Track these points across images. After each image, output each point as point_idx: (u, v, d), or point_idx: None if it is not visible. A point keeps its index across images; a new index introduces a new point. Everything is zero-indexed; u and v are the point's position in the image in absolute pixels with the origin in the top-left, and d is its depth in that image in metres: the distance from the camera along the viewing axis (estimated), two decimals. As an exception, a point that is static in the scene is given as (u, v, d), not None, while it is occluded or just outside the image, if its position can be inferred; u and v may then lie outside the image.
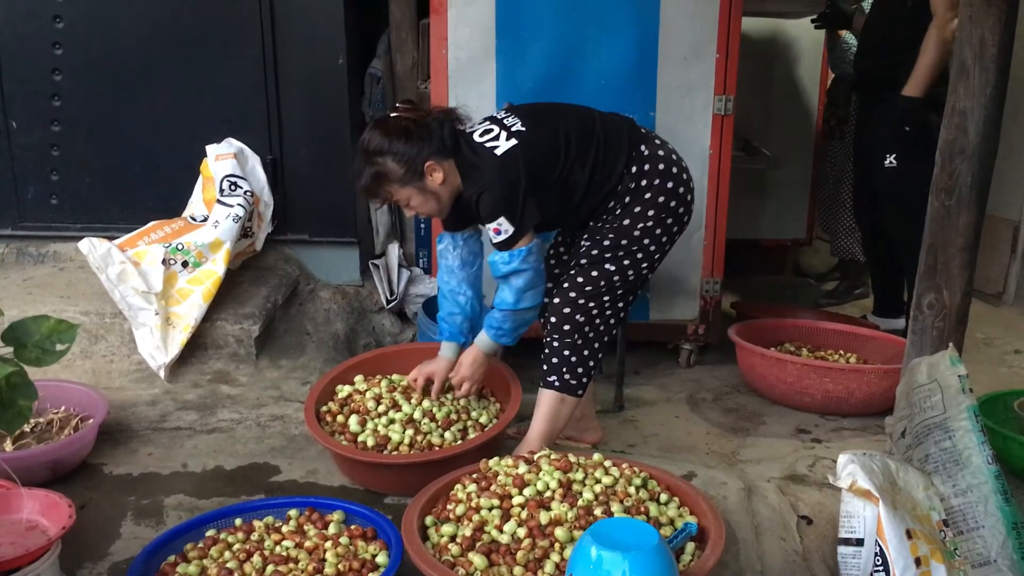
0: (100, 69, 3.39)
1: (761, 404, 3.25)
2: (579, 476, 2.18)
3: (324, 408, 2.68)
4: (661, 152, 2.55)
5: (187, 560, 2.09)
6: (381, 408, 2.63)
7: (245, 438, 2.80)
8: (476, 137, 2.46)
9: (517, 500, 2.11)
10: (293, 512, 2.27)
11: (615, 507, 2.07)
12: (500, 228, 2.39)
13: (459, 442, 2.54)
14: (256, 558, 2.07)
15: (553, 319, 2.52)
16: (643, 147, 2.52)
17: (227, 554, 2.09)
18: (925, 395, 2.26)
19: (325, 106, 3.41)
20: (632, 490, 2.15)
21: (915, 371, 2.30)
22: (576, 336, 2.53)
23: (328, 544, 2.11)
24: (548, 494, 2.12)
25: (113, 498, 2.47)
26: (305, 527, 2.21)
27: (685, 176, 2.57)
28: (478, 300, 2.70)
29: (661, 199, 2.51)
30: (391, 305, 3.51)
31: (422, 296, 3.52)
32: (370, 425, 2.58)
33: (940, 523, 2.13)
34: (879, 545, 2.01)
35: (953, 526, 2.13)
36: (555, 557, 1.96)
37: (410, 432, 2.55)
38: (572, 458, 2.26)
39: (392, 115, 2.43)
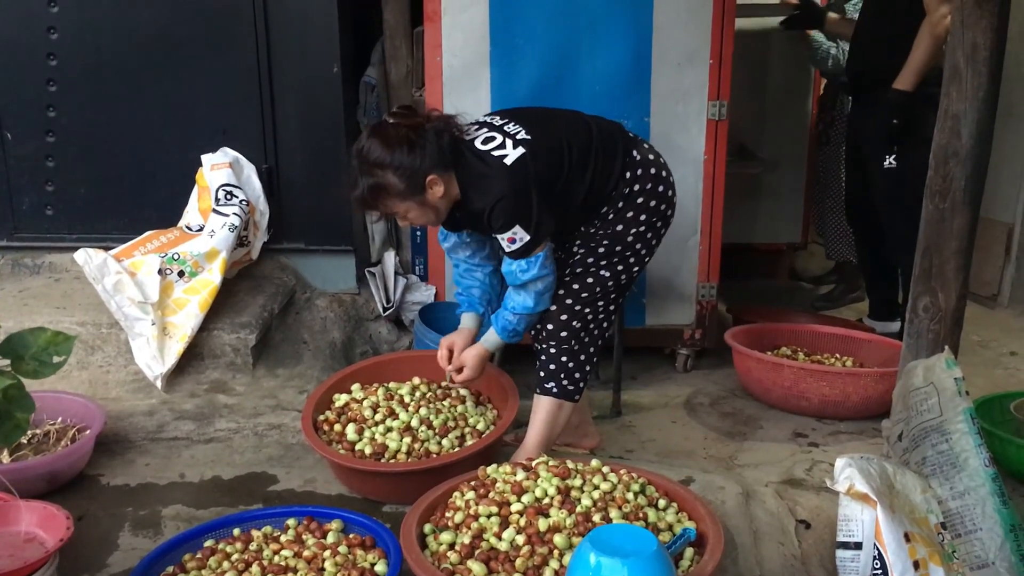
0: (94, 80, 3.39)
1: (758, 408, 3.25)
2: (577, 482, 2.18)
3: (321, 417, 2.68)
4: (651, 156, 2.56)
5: (185, 571, 2.09)
6: (378, 416, 2.63)
7: (242, 448, 2.80)
8: (479, 145, 2.40)
9: (515, 507, 2.11)
10: (291, 521, 2.26)
11: (613, 513, 2.07)
12: (515, 237, 2.35)
13: (456, 449, 2.54)
14: (255, 568, 2.07)
15: (550, 326, 2.53)
16: (635, 152, 2.53)
17: (225, 564, 2.09)
18: (922, 398, 2.26)
19: (320, 114, 3.41)
20: (630, 496, 2.16)
21: (911, 374, 2.31)
22: (573, 342, 2.54)
23: (327, 553, 2.11)
24: (546, 501, 2.13)
25: (111, 509, 2.46)
26: (303, 536, 2.20)
27: (671, 178, 2.60)
28: (496, 277, 2.68)
29: (652, 203, 2.53)
30: (387, 313, 3.51)
31: (418, 304, 3.51)
32: (367, 433, 2.58)
33: (938, 526, 2.13)
34: (877, 549, 2.01)
35: (951, 529, 2.13)
36: (554, 564, 1.96)
37: (407, 440, 2.55)
38: (570, 464, 2.26)
39: (390, 122, 2.36)
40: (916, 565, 1.99)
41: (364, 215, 3.61)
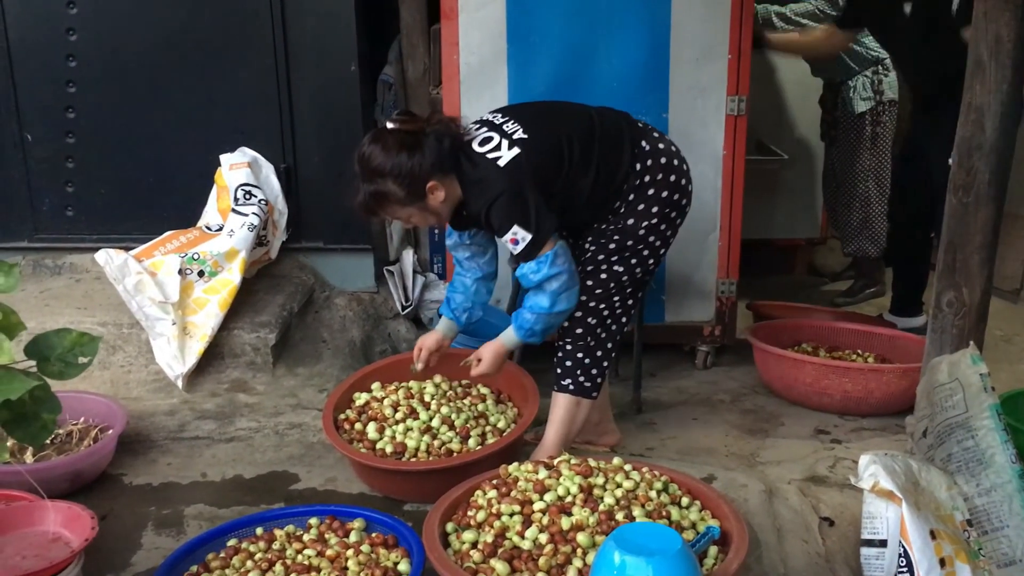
0: (114, 81, 3.40)
1: (779, 405, 3.23)
2: (600, 481, 2.17)
3: (342, 416, 2.68)
4: (661, 145, 2.53)
5: (209, 570, 2.10)
6: (399, 415, 2.63)
7: (263, 447, 2.81)
8: (476, 147, 2.40)
9: (538, 506, 2.10)
10: (314, 520, 2.27)
11: (637, 511, 2.06)
12: (517, 238, 2.34)
13: (477, 448, 2.53)
14: (278, 567, 2.07)
15: (566, 323, 2.52)
16: (644, 143, 2.51)
17: (249, 563, 2.10)
18: (946, 394, 2.24)
19: (338, 113, 3.41)
20: (653, 494, 2.15)
21: (936, 370, 2.29)
22: (589, 339, 2.53)
23: (350, 552, 2.11)
24: (569, 499, 2.12)
25: (134, 508, 2.48)
26: (326, 535, 2.21)
27: (685, 166, 2.57)
28: (484, 286, 2.67)
29: (665, 194, 2.50)
30: (406, 311, 3.51)
31: (437, 302, 3.51)
32: (388, 432, 2.58)
33: (964, 523, 2.11)
34: (903, 546, 2.00)
35: (977, 526, 2.12)
36: (577, 563, 1.95)
37: (427, 439, 2.55)
38: (592, 462, 2.25)
39: (390, 127, 2.36)
40: (942, 563, 1.97)
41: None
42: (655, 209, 2.49)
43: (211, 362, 3.08)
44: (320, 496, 2.54)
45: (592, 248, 2.52)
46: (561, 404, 2.57)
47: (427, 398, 2.70)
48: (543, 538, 2.02)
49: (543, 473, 2.21)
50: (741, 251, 3.44)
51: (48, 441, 2.61)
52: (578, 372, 2.54)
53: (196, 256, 3.13)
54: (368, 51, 3.49)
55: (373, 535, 2.20)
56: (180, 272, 3.07)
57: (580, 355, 2.53)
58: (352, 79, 3.38)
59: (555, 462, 2.27)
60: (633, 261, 2.51)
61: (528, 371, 2.83)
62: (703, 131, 3.28)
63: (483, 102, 3.24)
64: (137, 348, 3.07)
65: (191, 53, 3.37)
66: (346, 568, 2.07)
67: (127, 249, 3.16)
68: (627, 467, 2.26)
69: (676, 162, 2.54)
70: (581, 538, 1.99)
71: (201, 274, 3.11)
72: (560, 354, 2.56)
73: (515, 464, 2.30)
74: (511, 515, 2.09)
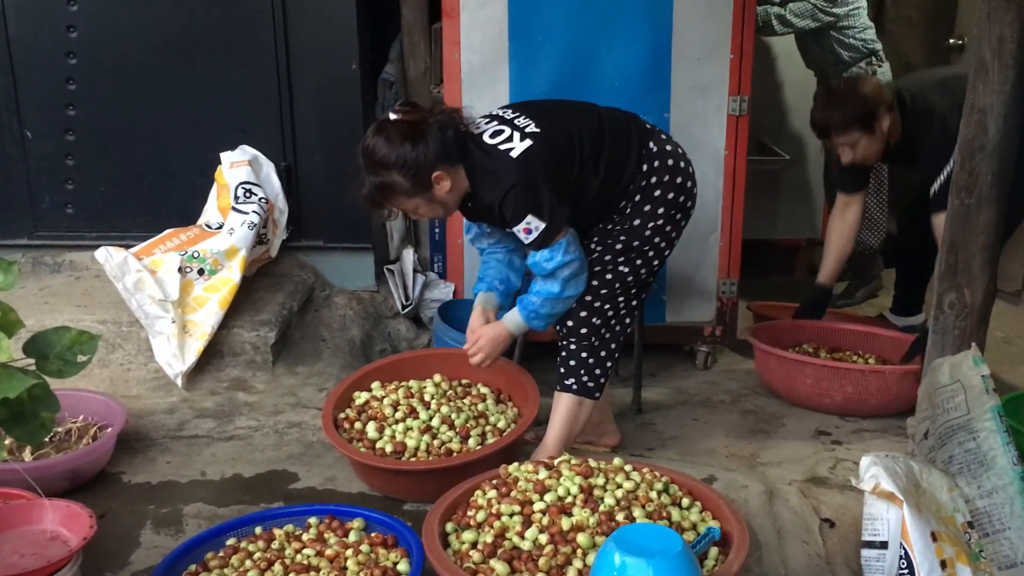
0: (114, 78, 3.40)
1: (780, 406, 3.23)
2: (600, 481, 2.17)
3: (341, 415, 2.68)
4: (668, 147, 2.53)
5: (208, 569, 2.09)
6: (399, 415, 2.63)
7: (263, 445, 2.80)
8: (487, 139, 2.40)
9: (538, 506, 2.10)
10: (313, 520, 2.26)
11: (637, 512, 2.06)
12: (530, 227, 2.33)
13: (477, 447, 2.53)
14: (277, 567, 2.06)
15: (570, 323, 2.51)
16: (651, 144, 2.51)
17: (248, 563, 2.09)
18: (948, 396, 2.24)
19: (338, 112, 3.41)
20: (654, 495, 2.14)
21: (937, 371, 2.28)
22: (593, 339, 2.52)
23: (349, 552, 2.11)
24: (569, 499, 2.11)
25: (132, 507, 2.47)
26: (325, 535, 2.20)
27: (690, 169, 2.57)
28: (517, 256, 2.65)
29: (671, 196, 2.50)
30: (406, 310, 3.50)
31: (437, 301, 3.51)
32: (388, 432, 2.57)
33: (965, 525, 2.11)
34: (904, 548, 1.99)
35: (978, 528, 2.11)
36: (577, 563, 1.95)
37: (427, 438, 2.54)
38: (592, 463, 2.25)
39: (393, 118, 2.36)
40: (943, 564, 1.97)
41: (377, 213, 3.60)
42: (661, 211, 2.48)
43: (211, 360, 3.07)
44: (319, 495, 2.54)
45: (598, 249, 2.52)
46: (564, 404, 2.56)
47: (427, 397, 2.70)
48: (543, 539, 2.01)
49: (543, 473, 2.21)
50: (742, 251, 3.43)
51: (47, 439, 2.61)
52: (582, 372, 2.54)
53: (196, 254, 3.12)
54: (369, 49, 3.49)
55: (372, 535, 2.19)
56: (180, 270, 3.06)
57: (584, 355, 2.52)
58: (353, 77, 3.37)
59: (555, 462, 2.27)
60: (638, 262, 2.50)
61: (528, 371, 2.82)
62: (705, 131, 3.28)
63: (484, 101, 3.22)
64: (136, 346, 3.07)
65: (192, 50, 3.36)
66: (345, 568, 2.06)
67: (127, 247, 3.16)
68: (627, 468, 2.25)
69: (683, 164, 2.54)
70: (581, 539, 1.98)
71: (201, 272, 3.11)
72: (564, 354, 2.56)
73: (515, 464, 2.29)
74: (511, 515, 2.09)
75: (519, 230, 2.36)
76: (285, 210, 3.40)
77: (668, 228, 2.53)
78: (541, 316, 2.47)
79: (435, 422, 2.59)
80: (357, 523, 2.23)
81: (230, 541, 2.19)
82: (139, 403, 2.92)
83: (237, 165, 3.32)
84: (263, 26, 3.31)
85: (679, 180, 2.52)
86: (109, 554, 2.25)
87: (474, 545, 2.03)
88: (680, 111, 3.26)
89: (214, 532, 2.21)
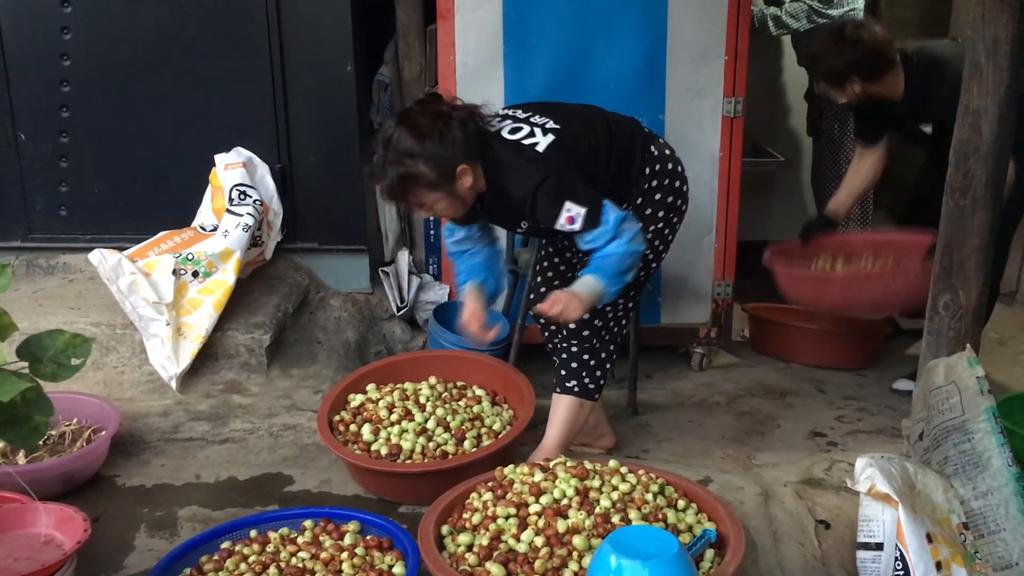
0: (108, 80, 3.38)
1: (775, 407, 3.23)
2: (596, 483, 2.17)
3: (337, 417, 2.67)
4: (667, 151, 2.55)
5: (203, 573, 2.09)
6: (394, 417, 2.62)
7: (258, 448, 2.79)
8: (507, 135, 2.36)
9: (534, 508, 2.10)
10: (308, 523, 2.26)
11: (633, 514, 2.06)
12: (572, 214, 2.25)
13: (473, 450, 2.52)
14: (272, 570, 2.06)
15: (571, 325, 2.51)
16: (652, 148, 2.52)
17: (243, 566, 2.09)
18: (943, 397, 2.24)
19: (333, 114, 3.40)
20: (649, 497, 2.14)
21: (932, 373, 2.28)
22: (595, 341, 2.53)
23: (344, 555, 2.10)
24: (565, 502, 2.11)
25: (127, 510, 2.47)
26: (320, 538, 2.20)
27: (685, 172, 2.58)
28: (498, 254, 2.63)
29: (669, 199, 2.52)
30: (401, 312, 3.50)
31: (432, 303, 3.50)
32: (383, 434, 2.57)
33: (960, 526, 2.11)
34: (899, 549, 1.99)
35: (974, 529, 2.11)
36: (573, 566, 1.95)
37: (423, 441, 2.54)
38: (588, 465, 2.25)
39: (417, 109, 2.32)
40: (939, 566, 1.97)
41: (378, 213, 3.60)
42: (660, 213, 2.49)
43: (205, 363, 3.06)
44: (315, 498, 2.53)
45: None
46: (564, 406, 2.56)
47: (422, 400, 2.69)
48: (539, 541, 2.01)
49: (539, 475, 2.20)
50: (737, 253, 3.43)
51: (41, 442, 2.60)
52: (583, 374, 2.54)
53: (190, 256, 3.11)
54: (364, 51, 3.48)
55: (368, 537, 2.19)
56: (174, 272, 3.05)
57: (586, 357, 2.52)
58: (348, 79, 3.37)
59: (551, 464, 2.26)
60: (639, 265, 2.51)
61: (523, 372, 2.82)
62: (699, 133, 3.28)
63: (479, 103, 3.22)
64: (131, 349, 3.06)
65: (186, 52, 3.35)
66: (340, 571, 2.06)
67: (121, 249, 3.15)
68: (623, 469, 2.25)
69: (680, 168, 2.57)
70: (577, 541, 1.98)
71: (195, 275, 3.10)
72: (564, 356, 2.56)
73: (511, 466, 2.29)
74: (507, 518, 2.09)
75: (562, 222, 2.27)
76: (280, 212, 3.39)
77: (666, 231, 2.54)
78: (622, 275, 2.32)
79: (430, 424, 2.59)
80: (352, 526, 2.23)
81: (225, 544, 2.18)
82: (133, 406, 2.91)
83: (232, 167, 3.31)
84: (257, 27, 3.30)
85: (677, 184, 2.54)
86: (103, 558, 2.24)
87: (470, 548, 2.03)
88: (675, 113, 3.26)
89: (209, 535, 2.21)
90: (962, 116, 2.22)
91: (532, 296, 2.76)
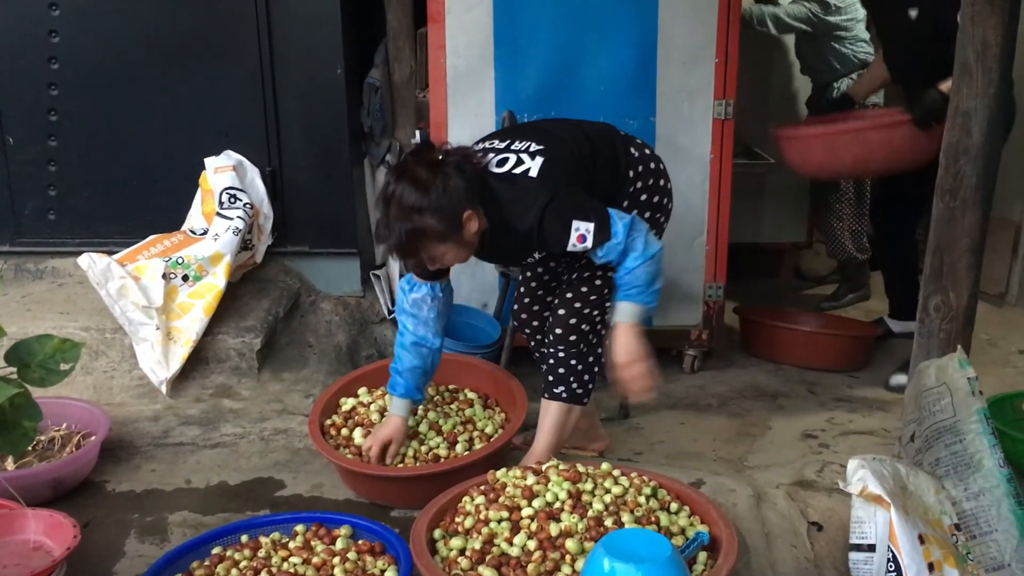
0: (97, 83, 3.37)
1: (767, 410, 3.24)
2: (588, 487, 2.16)
3: (328, 421, 2.66)
4: (647, 151, 2.56)
5: (194, 578, 2.07)
6: (385, 420, 2.61)
7: (249, 453, 2.78)
8: (496, 168, 2.33)
9: (526, 512, 2.09)
10: (300, 528, 2.25)
11: (626, 517, 2.05)
12: (582, 233, 2.23)
13: (465, 453, 2.52)
14: (264, 575, 2.05)
15: (558, 330, 2.50)
16: (632, 150, 2.52)
17: (234, 571, 2.08)
18: (934, 398, 2.25)
19: (324, 117, 3.39)
20: (642, 500, 2.14)
21: (923, 374, 2.29)
22: (582, 345, 2.52)
23: (336, 560, 2.09)
24: (557, 505, 2.11)
25: (117, 516, 2.45)
26: (312, 543, 2.18)
27: (666, 168, 2.58)
28: (439, 354, 2.58)
29: (655, 198, 2.52)
30: (393, 315, 3.49)
31: (424, 306, 3.49)
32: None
33: (952, 527, 2.12)
34: (891, 551, 2.00)
35: (966, 530, 2.12)
36: (566, 569, 1.94)
37: (415, 444, 2.53)
38: (581, 468, 2.24)
39: (412, 160, 2.28)
40: (931, 567, 1.97)
41: (369, 216, 3.59)
42: (647, 214, 2.50)
43: (195, 367, 3.05)
44: (306, 503, 2.52)
45: (586, 256, 2.51)
46: (553, 411, 2.55)
47: (414, 403, 2.68)
48: (531, 544, 2.00)
49: (531, 479, 2.20)
50: (728, 255, 3.44)
51: (30, 448, 2.58)
52: (571, 379, 2.53)
53: (180, 260, 3.10)
54: (354, 54, 3.47)
55: (360, 542, 2.18)
56: (164, 276, 3.04)
57: (573, 361, 2.52)
58: (338, 82, 3.36)
59: (543, 468, 2.26)
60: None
61: (514, 375, 2.82)
62: (690, 135, 3.28)
63: (470, 106, 3.23)
64: (120, 353, 3.04)
65: (175, 55, 3.34)
66: (332, 576, 2.05)
67: (110, 253, 3.13)
68: (616, 472, 2.25)
69: (661, 166, 2.57)
70: (570, 544, 1.98)
71: (185, 278, 3.09)
72: (552, 361, 2.55)
73: (503, 470, 2.29)
74: (499, 521, 2.08)
75: (573, 242, 2.25)
76: (270, 215, 3.38)
77: (654, 230, 2.54)
78: (653, 284, 2.31)
79: (422, 428, 2.58)
80: (344, 530, 2.22)
81: (216, 550, 2.17)
82: (123, 411, 2.90)
83: (222, 170, 3.30)
84: (247, 30, 3.29)
85: (661, 182, 2.54)
86: (93, 564, 2.23)
87: (462, 552, 2.02)
88: (665, 115, 3.26)
89: (199, 541, 2.19)
90: (951, 118, 2.22)
91: (516, 307, 2.76)
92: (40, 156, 3.44)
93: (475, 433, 2.61)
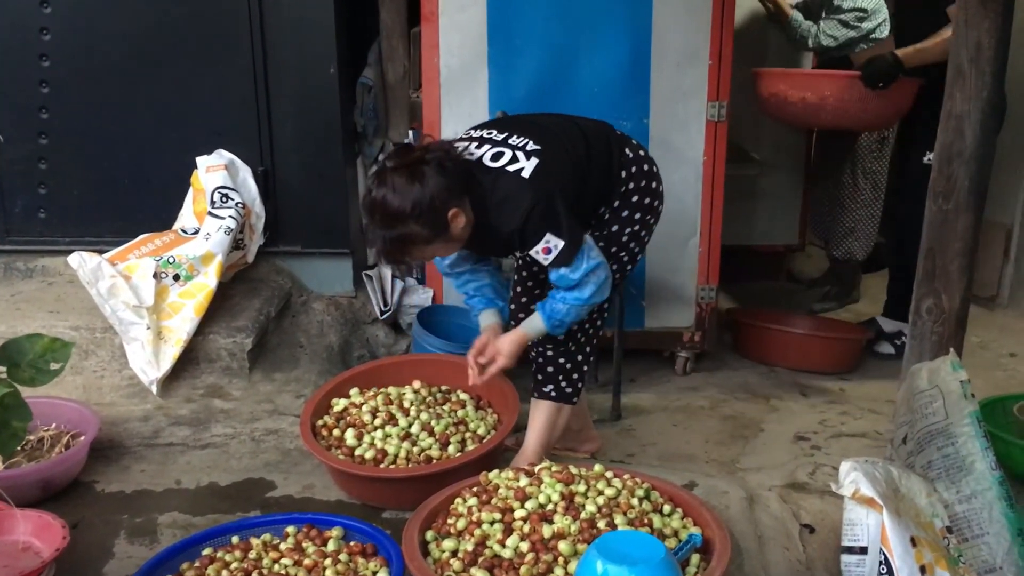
0: (88, 81, 3.35)
1: (759, 411, 3.24)
2: (581, 488, 2.16)
3: (320, 422, 2.65)
4: (641, 152, 2.54)
5: (184, 580, 2.06)
6: (377, 421, 2.60)
7: (239, 453, 2.77)
8: (489, 163, 2.31)
9: (519, 513, 2.08)
10: (291, 529, 2.24)
11: (619, 519, 2.05)
12: (549, 246, 2.25)
13: (457, 454, 2.51)
14: (254, 576, 2.04)
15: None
16: (627, 151, 2.51)
17: (224, 573, 2.07)
18: (926, 401, 2.25)
19: (316, 116, 3.38)
20: (635, 502, 2.13)
21: (915, 377, 2.29)
22: (571, 344, 2.52)
23: (327, 561, 2.08)
24: (550, 507, 2.10)
25: (106, 516, 2.43)
26: (303, 544, 2.17)
27: (658, 171, 2.57)
28: (501, 274, 2.62)
29: (647, 200, 2.51)
30: (385, 316, 3.48)
31: (416, 307, 3.49)
32: (367, 439, 2.55)
33: (944, 530, 2.11)
34: (883, 553, 2.00)
35: (957, 533, 2.12)
36: (559, 571, 1.94)
37: (407, 445, 2.52)
38: (574, 470, 2.24)
39: (391, 165, 2.25)
40: (923, 570, 1.97)
41: (361, 216, 3.58)
42: (638, 215, 2.49)
43: (186, 367, 3.03)
44: (297, 504, 2.51)
45: None
46: (542, 410, 2.55)
47: (406, 404, 2.68)
48: (524, 546, 2.00)
49: (524, 480, 2.19)
50: (721, 257, 3.44)
51: (18, 448, 2.55)
52: (560, 378, 2.53)
53: (171, 260, 3.08)
54: (347, 53, 3.46)
55: (351, 544, 2.17)
56: (155, 276, 3.02)
57: (562, 360, 2.51)
58: (331, 81, 3.35)
59: (536, 469, 2.25)
60: (615, 267, 2.50)
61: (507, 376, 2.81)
62: (683, 136, 3.29)
63: (463, 105, 3.22)
64: (111, 353, 3.03)
65: (167, 53, 3.32)
66: (323, 577, 2.04)
67: (101, 252, 3.11)
68: (608, 474, 2.24)
69: (654, 168, 2.56)
70: (563, 546, 1.97)
71: (176, 278, 3.07)
72: (541, 360, 2.54)
73: (495, 471, 2.28)
74: (492, 523, 2.07)
75: (538, 251, 2.26)
76: (262, 215, 3.37)
77: (643, 232, 2.53)
78: (565, 324, 2.39)
79: (414, 429, 2.58)
80: (336, 532, 2.21)
81: (206, 551, 2.16)
82: (113, 411, 2.88)
83: (213, 169, 3.28)
84: (240, 28, 3.28)
85: (653, 184, 2.53)
86: (82, 565, 2.21)
87: (454, 553, 2.02)
88: (659, 116, 3.26)
89: (190, 542, 2.18)
90: (945, 121, 2.23)
91: (513, 306, 2.75)
92: (31, 154, 3.42)
93: (467, 434, 2.61)
